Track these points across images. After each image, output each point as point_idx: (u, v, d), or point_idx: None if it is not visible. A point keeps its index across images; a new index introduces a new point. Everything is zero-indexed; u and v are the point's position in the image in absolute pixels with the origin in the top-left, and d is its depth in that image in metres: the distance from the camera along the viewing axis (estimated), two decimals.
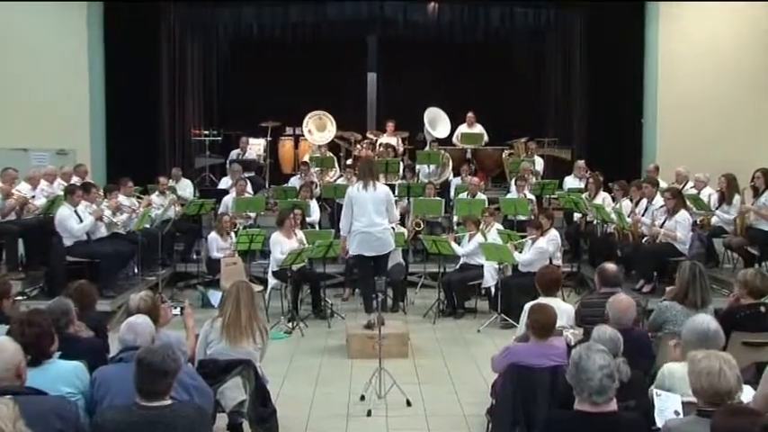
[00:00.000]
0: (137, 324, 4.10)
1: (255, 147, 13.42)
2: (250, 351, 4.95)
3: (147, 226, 9.77)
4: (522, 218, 10.53)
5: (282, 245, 8.87)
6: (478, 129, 13.57)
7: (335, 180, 12.46)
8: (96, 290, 5.40)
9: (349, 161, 13.10)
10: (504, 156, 13.17)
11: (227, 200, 10.95)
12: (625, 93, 13.52)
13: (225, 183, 11.97)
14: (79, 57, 12.73)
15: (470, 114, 13.54)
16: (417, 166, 12.69)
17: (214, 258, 9.60)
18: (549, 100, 15.01)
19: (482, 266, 9.21)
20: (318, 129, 13.43)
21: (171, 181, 11.47)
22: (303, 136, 13.56)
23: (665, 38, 13.19)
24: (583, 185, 11.50)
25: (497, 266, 8.95)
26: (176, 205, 10.61)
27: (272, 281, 9.10)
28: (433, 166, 12.66)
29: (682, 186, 10.24)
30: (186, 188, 11.81)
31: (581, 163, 12.19)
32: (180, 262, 10.78)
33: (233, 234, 9.81)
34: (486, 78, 14.81)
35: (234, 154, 13.15)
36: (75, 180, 10.29)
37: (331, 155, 13.07)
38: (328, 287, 9.78)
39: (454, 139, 13.69)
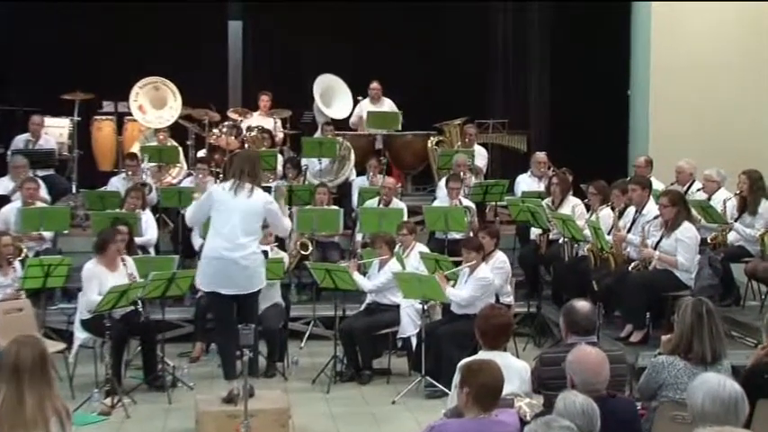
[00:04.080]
0: None
1: (56, 131, 13.05)
2: None
3: None
4: (457, 235, 10.60)
5: (102, 280, 8.67)
6: (387, 105, 13.65)
7: (180, 181, 12.29)
8: None
9: (201, 153, 12.94)
10: (429, 145, 13.27)
11: (8, 211, 10.63)
12: (604, 55, 13.83)
13: (4, 185, 11.59)
14: None
15: (375, 84, 13.63)
16: (304, 161, 12.66)
17: None
18: (495, 65, 15.20)
19: (398, 307, 9.23)
20: (154, 104, 13.18)
21: None
22: (130, 115, 13.29)
23: None
24: (543, 188, 11.68)
25: (420, 307, 8.95)
26: None
27: (80, 335, 8.86)
28: (326, 161, 12.63)
29: (685, 189, 10.51)
30: None
31: (541, 156, 12.40)
32: None
33: (17, 264, 9.46)
34: (405, 33, 14.88)
35: (20, 141, 12.73)
36: None
37: (174, 143, 12.90)
38: (168, 342, 9.60)
39: (353, 121, 13.71)
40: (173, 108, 13.14)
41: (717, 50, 13.22)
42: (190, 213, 8.02)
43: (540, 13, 14.81)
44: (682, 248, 8.59)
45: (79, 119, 13.27)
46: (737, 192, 9.84)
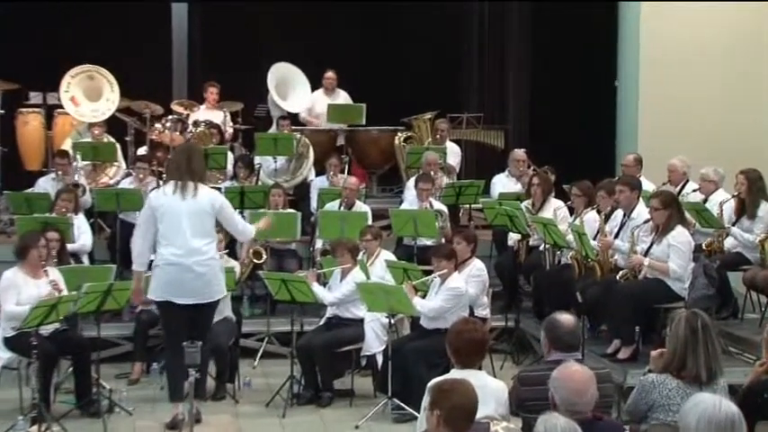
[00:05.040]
0: None
1: None
2: None
3: None
4: (427, 242, 10.62)
5: (21, 288, 8.61)
6: (342, 97, 13.71)
7: (118, 182, 12.22)
8: None
9: (142, 150, 12.90)
10: (397, 141, 13.26)
11: None
12: (590, 44, 13.88)
13: None
14: None
15: (330, 74, 13.68)
16: (257, 159, 12.66)
17: None
18: (470, 54, 15.22)
19: (361, 321, 9.23)
20: (89, 96, 13.08)
21: None
22: (61, 107, 13.19)
23: None
24: (522, 189, 11.71)
25: (386, 321, 8.93)
26: None
27: (3, 355, 8.75)
28: (282, 159, 12.62)
29: (678, 189, 10.56)
30: None
31: (520, 153, 12.43)
32: None
33: None
34: (370, 19, 14.88)
35: None
36: None
37: (110, 139, 12.82)
38: (104, 362, 9.48)
39: (303, 115, 13.64)
40: (109, 100, 13.01)
41: (712, 37, 13.30)
42: (137, 238, 7.84)
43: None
44: (674, 255, 8.62)
45: (2, 112, 13.23)
46: (735, 193, 9.90)
